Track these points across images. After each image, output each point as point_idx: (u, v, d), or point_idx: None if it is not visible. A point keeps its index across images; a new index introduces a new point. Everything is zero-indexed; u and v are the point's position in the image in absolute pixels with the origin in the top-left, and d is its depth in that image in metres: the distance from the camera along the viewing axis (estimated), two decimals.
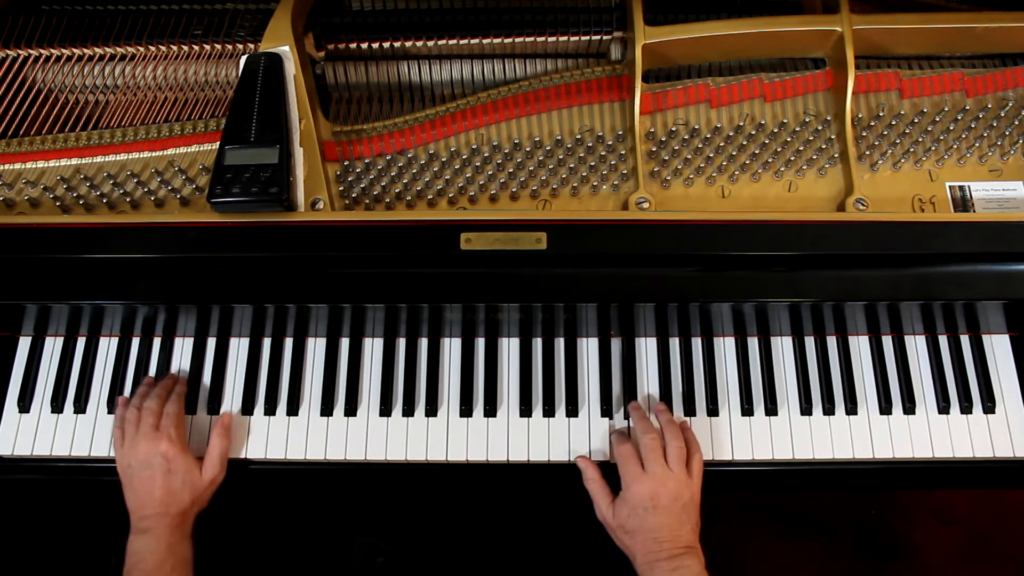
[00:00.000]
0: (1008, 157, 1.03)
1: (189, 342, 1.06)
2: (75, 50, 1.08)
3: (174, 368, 1.05)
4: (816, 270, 0.93)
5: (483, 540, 1.26)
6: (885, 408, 1.01)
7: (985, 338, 1.05)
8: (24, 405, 1.04)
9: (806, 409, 1.01)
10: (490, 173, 1.02)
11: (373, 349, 1.06)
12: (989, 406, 1.01)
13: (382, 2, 1.09)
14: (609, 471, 0.97)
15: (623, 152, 1.03)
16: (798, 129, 1.03)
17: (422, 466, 1.01)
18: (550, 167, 1.03)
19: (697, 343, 1.05)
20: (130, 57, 1.08)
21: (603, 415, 1.02)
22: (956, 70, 1.07)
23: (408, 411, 1.02)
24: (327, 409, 1.03)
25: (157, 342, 1.07)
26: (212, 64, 1.07)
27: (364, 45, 1.07)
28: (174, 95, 1.08)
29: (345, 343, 1.06)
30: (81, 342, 1.07)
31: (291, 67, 0.99)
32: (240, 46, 1.06)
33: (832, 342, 1.05)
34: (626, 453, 0.94)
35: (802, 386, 1.02)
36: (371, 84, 1.12)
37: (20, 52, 1.08)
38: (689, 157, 1.03)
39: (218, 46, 1.07)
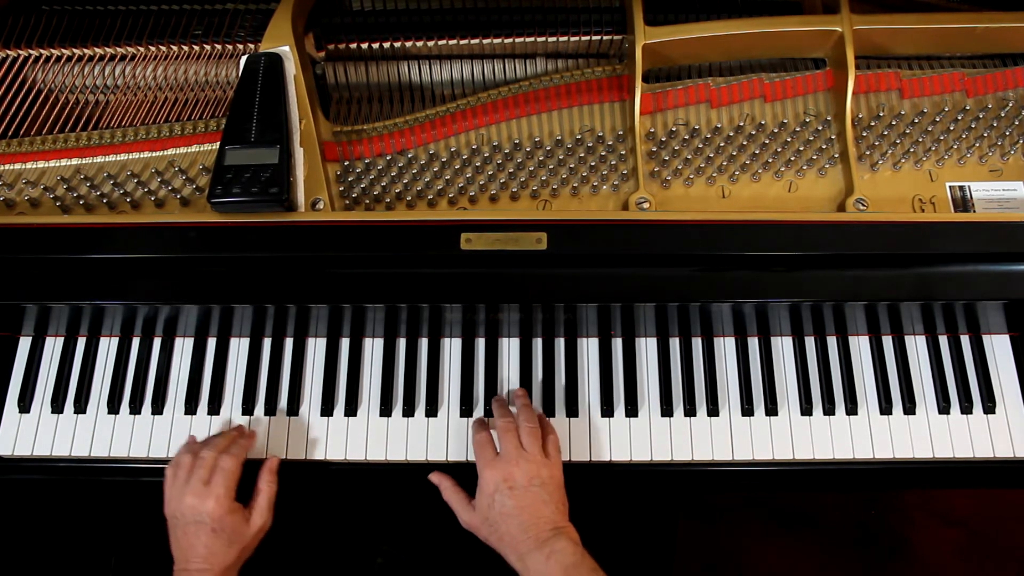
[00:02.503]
0: (1008, 157, 1.03)
1: (189, 342, 1.06)
2: (75, 50, 1.07)
3: (174, 368, 1.05)
4: (816, 270, 0.93)
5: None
6: (885, 408, 1.01)
7: (985, 338, 1.05)
8: (24, 405, 1.04)
9: (806, 409, 1.01)
10: (490, 173, 1.02)
11: (373, 349, 1.06)
12: (989, 406, 1.01)
13: (382, 2, 1.09)
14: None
15: (623, 152, 1.03)
16: (798, 129, 1.03)
17: (422, 466, 1.01)
18: (550, 167, 1.03)
19: (697, 343, 1.05)
20: (130, 57, 1.08)
21: (603, 415, 1.02)
22: (956, 70, 1.07)
23: (408, 411, 1.02)
24: (327, 409, 1.03)
25: (157, 342, 1.06)
26: (212, 64, 1.07)
27: (364, 45, 1.07)
28: (174, 95, 1.08)
29: (345, 343, 1.06)
30: (81, 342, 1.07)
31: (291, 67, 0.99)
32: (240, 46, 1.06)
33: (832, 342, 1.05)
34: (482, 440, 0.93)
35: (802, 386, 1.02)
36: (371, 84, 1.12)
37: (20, 52, 1.08)
38: (689, 157, 1.03)
39: (218, 46, 1.07)
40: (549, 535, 0.85)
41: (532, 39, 1.06)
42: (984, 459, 1.00)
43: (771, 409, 1.02)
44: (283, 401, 1.03)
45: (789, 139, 1.03)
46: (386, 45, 1.07)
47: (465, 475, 1.00)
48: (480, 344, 1.06)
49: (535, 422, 0.94)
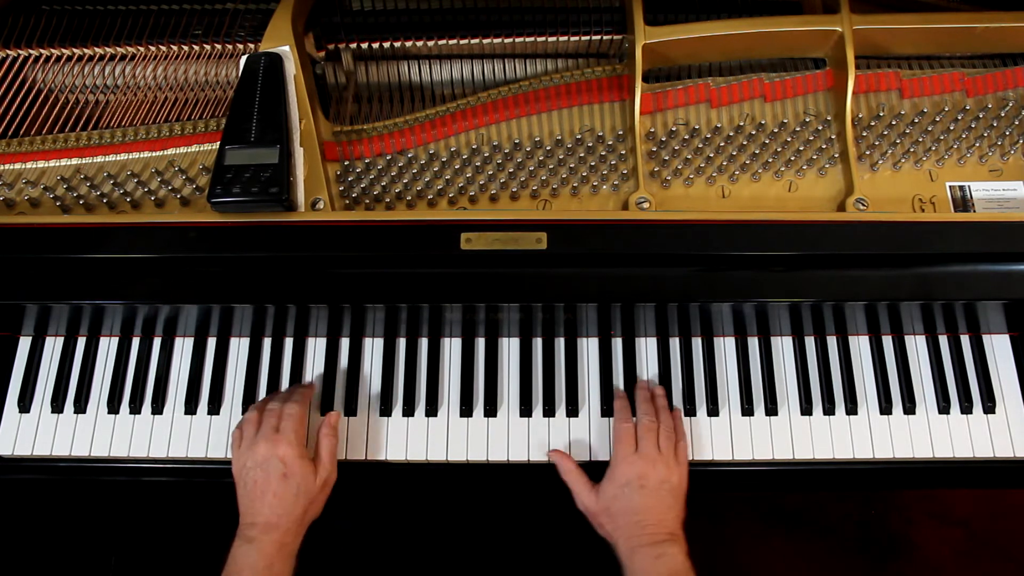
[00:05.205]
0: (1008, 157, 1.03)
1: (189, 342, 1.06)
2: (75, 50, 1.07)
3: (174, 368, 1.05)
4: (816, 270, 0.93)
5: (482, 540, 1.26)
6: (885, 408, 1.01)
7: (985, 338, 1.05)
8: (24, 405, 1.04)
9: (806, 409, 1.01)
10: (490, 173, 1.02)
11: (373, 349, 1.06)
12: (989, 406, 1.01)
13: (382, 2, 1.09)
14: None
15: (623, 152, 1.03)
16: (798, 129, 1.03)
17: (422, 466, 1.01)
18: (550, 167, 1.03)
19: (697, 343, 1.05)
20: (130, 57, 1.08)
21: (603, 415, 1.02)
22: (956, 70, 1.07)
23: (408, 411, 1.02)
24: (327, 409, 1.03)
25: (157, 342, 1.07)
26: (212, 64, 1.07)
27: (364, 45, 1.07)
28: (174, 95, 1.08)
29: (345, 343, 1.06)
30: (81, 342, 1.07)
31: (291, 67, 0.99)
32: (240, 46, 1.06)
33: (832, 342, 1.05)
34: (626, 430, 0.94)
35: (802, 386, 1.02)
36: (371, 84, 1.11)
37: (20, 52, 1.08)
38: (689, 157, 1.02)
39: (218, 46, 1.07)
40: (664, 538, 0.86)
41: (532, 39, 1.06)
42: (984, 459, 1.00)
43: (771, 409, 1.02)
44: None
45: (789, 139, 1.03)
46: (386, 45, 1.07)
47: (467, 475, 1.00)
48: (480, 344, 1.06)
49: (672, 426, 0.96)
